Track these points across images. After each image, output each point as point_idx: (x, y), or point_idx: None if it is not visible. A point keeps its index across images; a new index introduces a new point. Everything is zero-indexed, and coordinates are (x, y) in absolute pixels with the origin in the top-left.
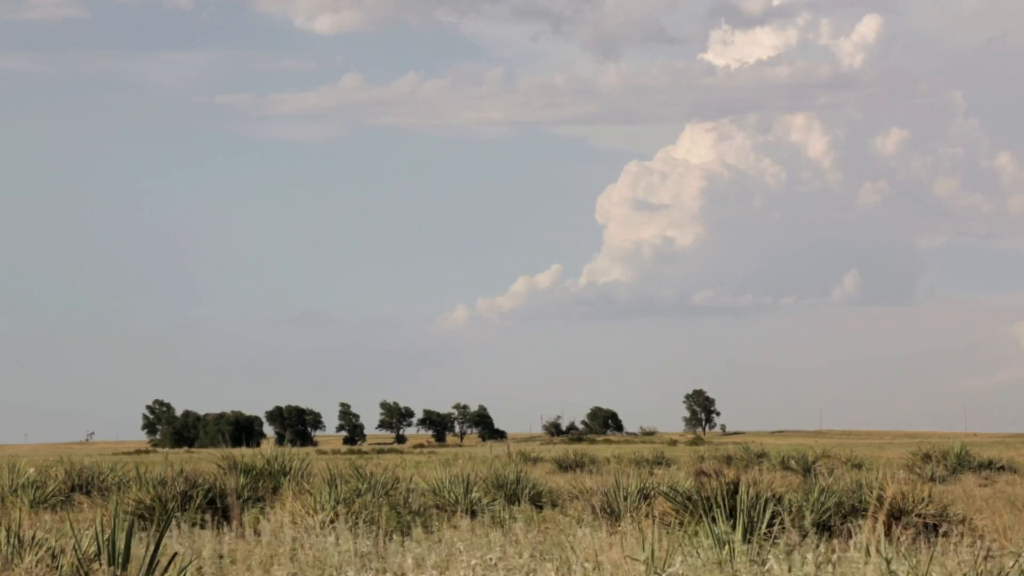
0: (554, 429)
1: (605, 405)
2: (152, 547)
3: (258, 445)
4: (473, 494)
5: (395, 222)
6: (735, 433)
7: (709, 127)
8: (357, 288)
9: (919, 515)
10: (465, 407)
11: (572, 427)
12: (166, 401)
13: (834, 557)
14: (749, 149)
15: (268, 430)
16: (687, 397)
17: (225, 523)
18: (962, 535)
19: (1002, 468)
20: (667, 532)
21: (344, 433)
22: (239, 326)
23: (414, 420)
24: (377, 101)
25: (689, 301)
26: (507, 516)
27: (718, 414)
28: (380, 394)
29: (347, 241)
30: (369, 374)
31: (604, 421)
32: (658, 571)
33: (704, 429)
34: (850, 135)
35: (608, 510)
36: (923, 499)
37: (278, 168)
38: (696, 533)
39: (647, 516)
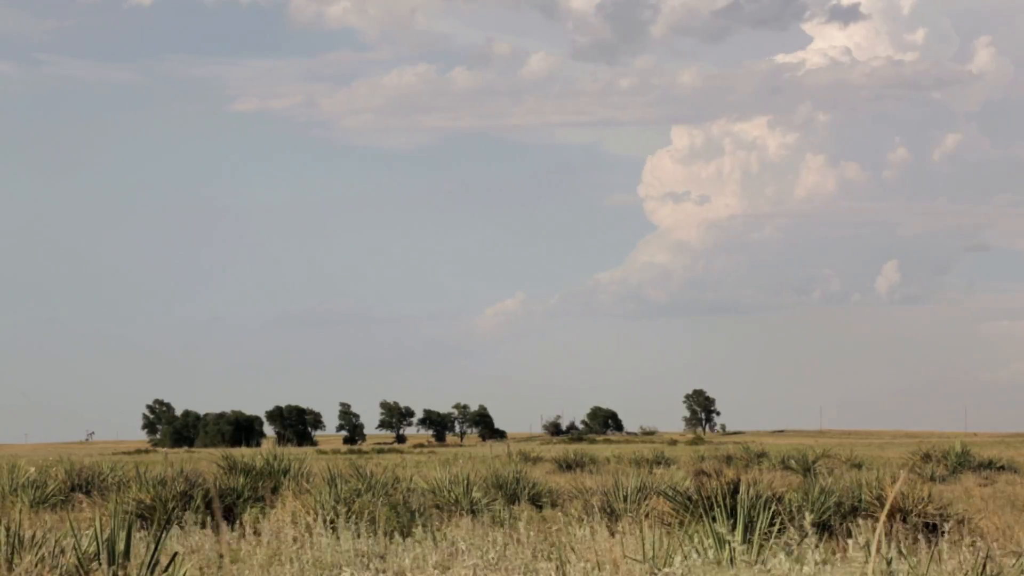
0: (554, 429)
1: (605, 405)
2: (152, 547)
3: (258, 445)
4: (473, 494)
5: (404, 222)
6: (735, 433)
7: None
8: (359, 288)
9: (919, 515)
10: (465, 407)
11: (572, 427)
12: (166, 401)
13: (835, 557)
14: (779, 145)
15: (268, 430)
16: (687, 397)
17: (225, 523)
18: (962, 535)
19: (1002, 468)
20: (667, 532)
21: (344, 433)
22: (239, 326)
23: (414, 420)
24: (432, 105)
25: (690, 300)
26: (507, 516)
27: (718, 414)
28: (380, 394)
29: (350, 240)
30: (369, 374)
31: (604, 421)
32: (658, 571)
33: (704, 429)
34: (898, 134)
35: (608, 510)
36: (923, 499)
37: (280, 167)
38: (696, 533)
39: (647, 516)
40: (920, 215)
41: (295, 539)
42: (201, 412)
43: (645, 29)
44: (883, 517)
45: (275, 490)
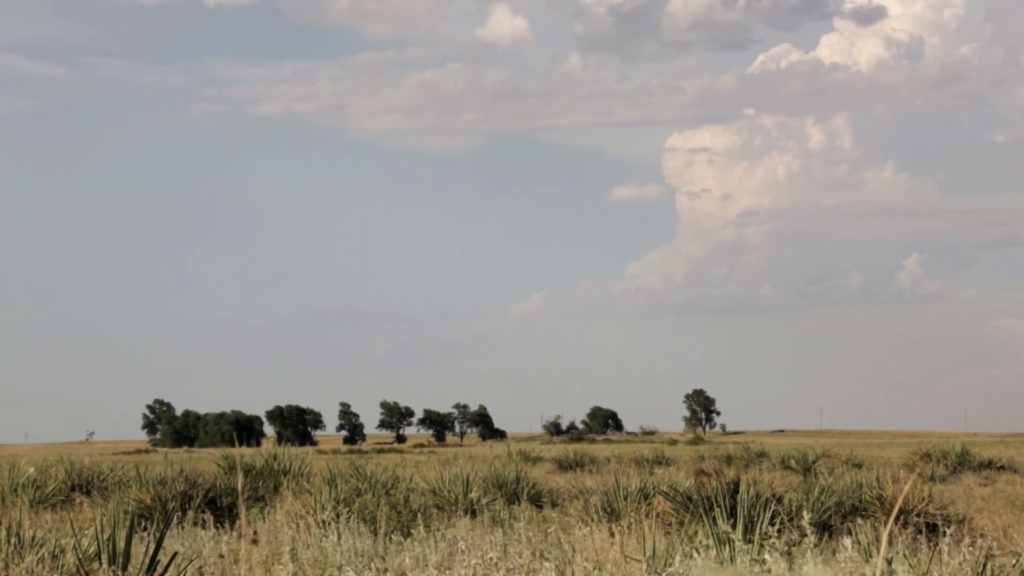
0: (554, 429)
1: (605, 405)
2: (152, 547)
3: (258, 445)
4: (473, 494)
5: (409, 222)
6: (735, 433)
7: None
8: (359, 288)
9: (919, 515)
10: (465, 407)
11: (572, 427)
12: (166, 401)
13: (835, 557)
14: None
15: (268, 430)
16: (687, 397)
17: (225, 523)
18: (962, 535)
19: (1002, 468)
20: (667, 532)
21: (344, 433)
22: (239, 326)
23: (414, 420)
24: (459, 107)
25: (701, 300)
26: (507, 516)
27: (718, 414)
28: (380, 394)
29: (351, 239)
30: (369, 374)
31: (604, 421)
32: (658, 571)
33: (704, 429)
34: (910, 134)
35: (608, 510)
36: (923, 499)
37: (288, 167)
38: (696, 533)
39: (647, 516)
40: (948, 212)
41: (295, 539)
42: (201, 412)
43: (661, 28)
44: (891, 520)
45: (275, 490)
